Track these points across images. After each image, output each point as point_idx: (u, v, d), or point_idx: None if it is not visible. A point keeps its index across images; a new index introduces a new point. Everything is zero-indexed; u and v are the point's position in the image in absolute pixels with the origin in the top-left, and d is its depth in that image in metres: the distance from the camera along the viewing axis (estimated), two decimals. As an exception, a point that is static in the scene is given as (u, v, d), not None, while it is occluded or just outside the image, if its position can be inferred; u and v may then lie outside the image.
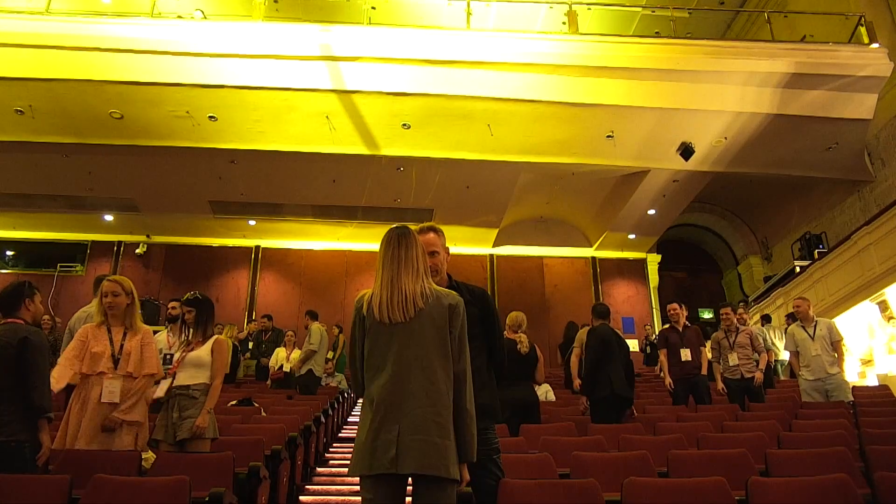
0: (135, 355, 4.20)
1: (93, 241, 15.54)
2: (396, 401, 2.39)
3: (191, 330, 4.64)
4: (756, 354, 7.20)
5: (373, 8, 10.83)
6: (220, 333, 10.37)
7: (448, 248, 3.22)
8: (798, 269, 12.65)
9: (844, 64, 10.00)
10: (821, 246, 13.00)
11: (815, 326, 7.04)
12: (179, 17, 11.33)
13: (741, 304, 11.58)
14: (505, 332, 6.06)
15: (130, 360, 4.18)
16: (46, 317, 8.87)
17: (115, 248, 15.57)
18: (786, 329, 10.13)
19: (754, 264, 16.60)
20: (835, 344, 6.97)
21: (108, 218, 14.49)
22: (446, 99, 9.92)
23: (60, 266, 15.16)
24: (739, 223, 16.97)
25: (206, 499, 3.37)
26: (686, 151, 10.82)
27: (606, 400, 5.95)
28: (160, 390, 4.35)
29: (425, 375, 2.43)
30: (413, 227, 2.77)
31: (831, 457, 4.05)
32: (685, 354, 7.06)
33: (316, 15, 11.00)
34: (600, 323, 6.32)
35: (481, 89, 9.81)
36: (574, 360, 7.35)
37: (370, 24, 10.31)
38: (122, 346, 4.18)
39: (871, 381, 9.86)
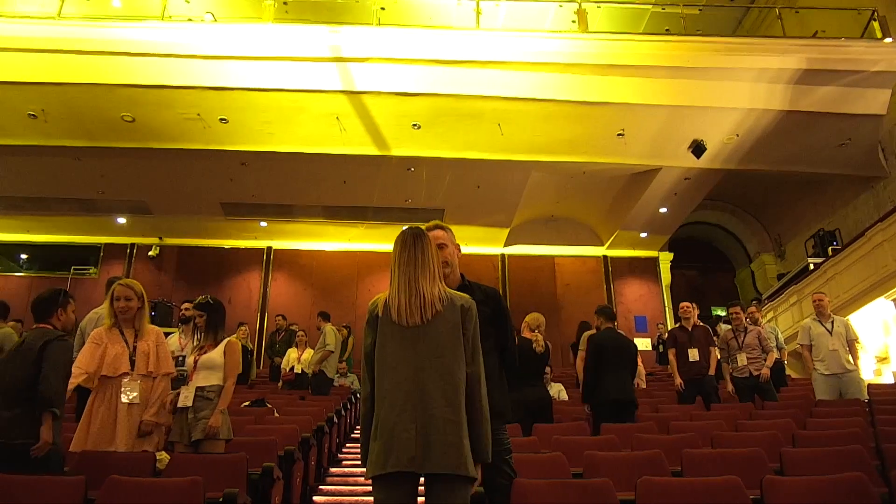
0: (152, 355, 4.27)
1: (106, 244, 15.63)
2: (412, 401, 2.39)
3: (202, 334, 4.66)
4: (765, 354, 7.15)
5: (382, 8, 10.82)
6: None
7: (458, 245, 3.21)
8: (812, 267, 12.57)
9: (857, 59, 9.92)
10: (835, 243, 12.92)
11: (833, 323, 7.00)
12: (190, 20, 11.37)
13: (754, 302, 11.52)
14: (522, 331, 6.07)
15: (149, 360, 4.25)
16: None
17: (128, 251, 15.65)
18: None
19: (767, 262, 16.49)
20: (850, 343, 6.93)
21: (121, 220, 14.58)
22: (456, 99, 9.91)
23: (74, 269, 15.25)
24: (752, 220, 16.87)
25: (220, 499, 3.39)
26: (697, 149, 10.77)
27: (606, 405, 5.88)
28: (186, 399, 4.36)
29: (441, 377, 2.42)
30: (422, 226, 2.77)
31: (847, 455, 4.02)
32: (693, 354, 7.03)
33: (325, 16, 11.01)
34: (607, 326, 6.28)
35: (491, 89, 9.79)
36: (579, 363, 7.31)
37: (380, 24, 10.31)
38: (135, 347, 4.23)
39: (887, 379, 9.80)
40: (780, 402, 6.87)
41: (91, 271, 15.40)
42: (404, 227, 2.73)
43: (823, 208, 14.00)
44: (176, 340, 6.28)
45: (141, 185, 12.80)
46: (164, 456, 4.18)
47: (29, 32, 9.40)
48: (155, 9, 10.66)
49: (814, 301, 7.32)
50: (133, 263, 15.58)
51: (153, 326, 4.48)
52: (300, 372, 9.32)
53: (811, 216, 14.50)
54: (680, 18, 11.15)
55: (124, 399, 4.08)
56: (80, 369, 4.07)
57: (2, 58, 9.38)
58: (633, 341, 6.36)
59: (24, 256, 15.89)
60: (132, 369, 4.18)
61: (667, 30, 11.81)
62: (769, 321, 12.45)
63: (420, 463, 2.30)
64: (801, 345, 7.24)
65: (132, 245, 15.68)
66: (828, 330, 6.98)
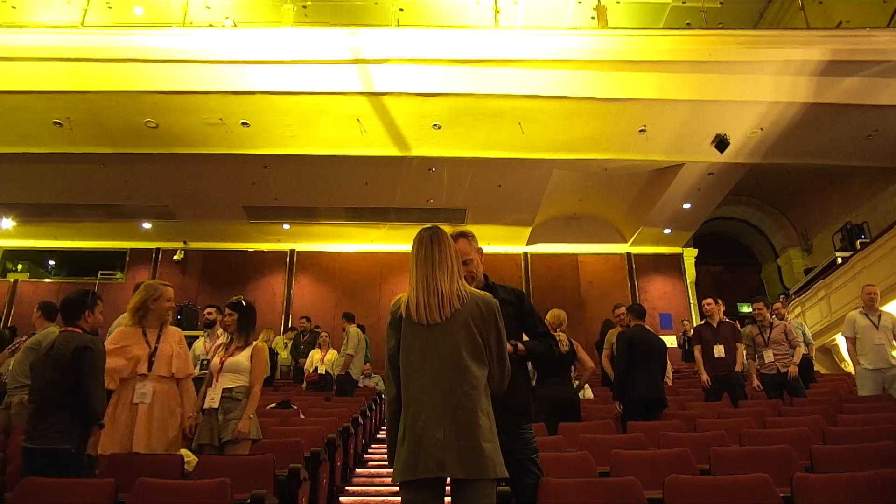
0: (175, 358, 4.33)
1: (132, 249, 15.84)
2: (439, 405, 2.38)
3: (232, 334, 4.67)
4: (791, 349, 7.05)
5: (401, 10, 10.84)
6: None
7: (481, 250, 3.21)
8: (840, 261, 12.38)
9: (883, 49, 9.73)
10: (863, 236, 12.73)
11: (880, 316, 6.86)
12: (210, 25, 11.46)
13: (781, 297, 11.38)
14: None
15: (172, 362, 4.30)
16: None
17: (154, 255, 15.85)
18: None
19: (794, 256, 16.30)
20: None
21: (146, 225, 14.76)
22: (476, 98, 9.89)
23: (101, 274, 15.47)
24: (778, 215, 16.67)
25: (248, 500, 3.41)
26: (721, 143, 10.65)
27: (636, 403, 5.86)
28: (212, 400, 4.40)
29: (465, 380, 2.42)
30: (447, 229, 2.76)
31: (879, 452, 3.95)
32: (718, 351, 6.95)
33: (344, 18, 11.05)
34: (637, 324, 6.24)
35: (511, 87, 9.76)
36: (605, 361, 7.43)
37: (398, 25, 10.33)
38: (156, 348, 4.30)
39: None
40: (810, 399, 6.78)
41: (118, 276, 15.61)
42: (422, 227, 2.73)
43: (851, 201, 13.80)
44: (201, 345, 6.34)
45: (165, 190, 12.95)
46: (191, 458, 4.22)
47: (53, 42, 9.52)
48: (176, 16, 10.78)
49: (867, 293, 7.09)
50: (158, 268, 15.76)
51: (173, 327, 4.56)
52: (324, 373, 9.37)
53: (838, 209, 14.30)
54: (700, 12, 11.04)
55: (136, 400, 4.13)
56: (113, 375, 4.13)
57: (27, 67, 9.52)
58: (663, 340, 6.30)
59: (52, 262, 16.17)
60: (149, 370, 4.23)
61: (687, 24, 11.73)
62: (797, 317, 12.30)
63: (450, 469, 2.30)
64: (846, 337, 7.10)
65: (157, 250, 15.87)
66: (874, 323, 6.83)
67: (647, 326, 6.28)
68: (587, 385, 8.04)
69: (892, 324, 6.83)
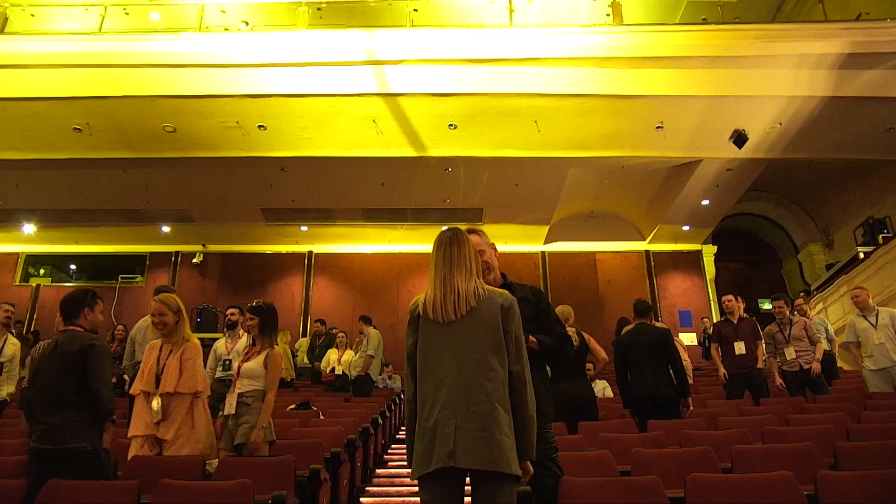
0: (173, 374, 4.18)
1: (151, 253, 15.96)
2: (453, 399, 2.39)
3: (256, 338, 4.68)
4: (813, 346, 6.99)
5: (415, 10, 10.84)
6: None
7: (495, 246, 3.23)
8: (862, 256, 12.26)
9: (904, 41, 9.63)
10: (885, 230, 12.58)
11: (877, 315, 6.84)
12: (226, 29, 11.54)
13: (802, 294, 11.27)
14: None
15: (169, 379, 4.18)
16: (121, 327, 9.18)
17: (173, 259, 15.96)
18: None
19: (815, 252, 16.12)
20: None
21: (166, 229, 14.87)
22: (492, 97, 9.87)
23: (122, 277, 15.61)
24: (798, 210, 16.50)
25: (269, 501, 3.43)
26: (739, 139, 10.55)
27: (638, 404, 5.74)
28: (230, 407, 4.41)
29: (482, 373, 2.42)
30: (462, 227, 2.79)
31: (905, 448, 3.91)
32: (739, 348, 6.91)
33: (359, 20, 11.08)
34: (637, 322, 6.08)
35: (527, 86, 9.74)
36: None
37: (413, 26, 10.33)
38: (164, 365, 4.23)
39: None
40: (833, 396, 6.72)
41: (138, 279, 15.74)
42: (443, 228, 2.75)
43: (872, 195, 13.64)
44: (223, 345, 6.39)
45: (183, 194, 13.05)
46: (213, 460, 4.25)
47: (72, 49, 9.63)
48: (192, 20, 10.87)
49: (852, 297, 7.18)
50: (178, 271, 15.87)
51: (193, 341, 4.40)
52: (340, 373, 9.39)
53: (860, 204, 14.14)
54: (717, 7, 10.93)
55: (154, 418, 4.09)
56: (137, 390, 4.20)
57: (47, 74, 9.64)
58: (665, 331, 6.07)
59: (73, 266, 16.34)
60: (156, 387, 4.14)
61: (704, 19, 11.60)
62: (818, 313, 12.19)
63: (462, 458, 2.29)
64: (850, 342, 7.09)
65: (177, 253, 15.98)
66: (872, 324, 6.82)
67: (650, 322, 6.13)
68: (607, 384, 8.00)
69: (890, 319, 6.80)
